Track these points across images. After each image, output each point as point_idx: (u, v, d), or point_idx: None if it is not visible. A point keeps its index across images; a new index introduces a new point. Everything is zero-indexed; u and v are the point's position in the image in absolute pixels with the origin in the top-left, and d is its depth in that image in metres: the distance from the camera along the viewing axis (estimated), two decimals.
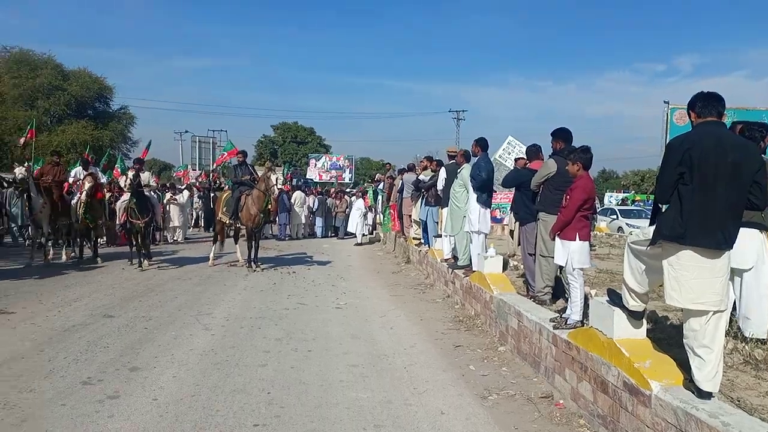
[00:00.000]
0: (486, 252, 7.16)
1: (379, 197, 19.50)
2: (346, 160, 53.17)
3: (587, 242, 5.04)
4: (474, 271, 7.59)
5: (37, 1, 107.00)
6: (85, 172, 11.90)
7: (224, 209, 11.63)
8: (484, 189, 7.45)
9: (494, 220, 13.47)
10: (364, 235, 19.15)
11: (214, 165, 20.14)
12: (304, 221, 20.59)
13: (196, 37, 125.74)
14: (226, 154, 19.67)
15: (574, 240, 4.92)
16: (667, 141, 5.47)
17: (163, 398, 4.39)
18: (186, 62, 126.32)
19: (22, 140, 12.96)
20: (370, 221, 20.33)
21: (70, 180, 12.06)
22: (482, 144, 7.69)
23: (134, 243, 11.19)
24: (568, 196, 5.02)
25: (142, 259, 11.04)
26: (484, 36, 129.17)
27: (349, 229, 19.92)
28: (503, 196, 13.87)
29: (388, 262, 13.94)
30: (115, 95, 32.45)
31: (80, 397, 4.34)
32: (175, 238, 17.15)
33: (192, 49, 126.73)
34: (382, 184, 19.17)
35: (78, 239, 12.13)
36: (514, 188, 7.31)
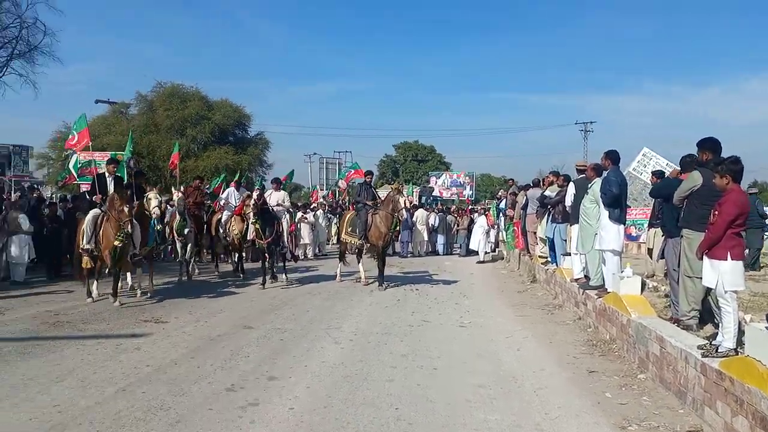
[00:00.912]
0: (622, 272, 6.74)
1: (501, 214, 19.16)
2: (467, 177, 52.86)
3: (740, 262, 4.58)
4: (608, 292, 7.17)
5: (185, 42, 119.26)
6: (237, 193, 12.94)
7: (349, 229, 11.91)
8: (616, 204, 7.04)
9: (629, 237, 12.67)
10: (486, 252, 18.88)
11: (345, 183, 20.91)
12: (426, 238, 20.74)
13: (324, 64, 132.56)
14: (352, 171, 20.29)
15: (726, 260, 4.48)
16: None
17: (298, 407, 4.61)
18: (314, 88, 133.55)
19: (171, 165, 14.47)
20: (492, 238, 20.01)
21: (222, 201, 13.21)
22: (613, 157, 7.29)
23: (263, 262, 11.48)
24: (716, 212, 4.60)
25: (266, 278, 11.35)
26: (614, 40, 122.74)
27: (472, 246, 19.75)
28: (639, 212, 12.99)
29: (512, 280, 13.60)
30: (252, 122, 34.98)
31: (225, 403, 4.69)
32: (306, 255, 18.01)
33: (320, 76, 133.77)
34: (504, 200, 18.82)
35: (222, 255, 13.21)
36: (653, 202, 6.83)
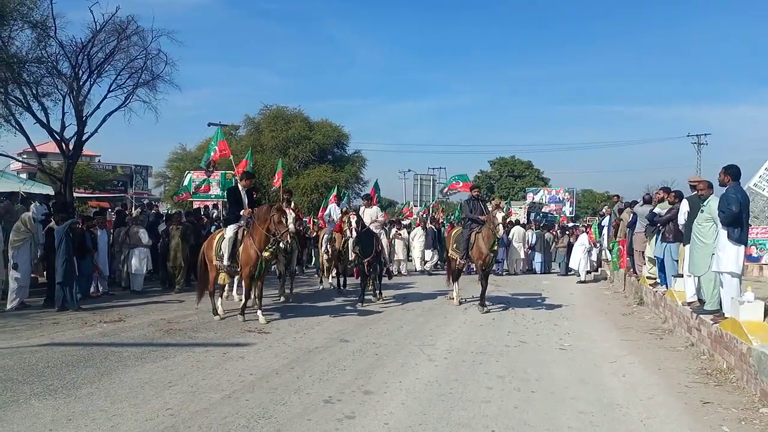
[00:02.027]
0: (742, 296, 6.18)
1: (605, 232, 18.27)
2: (567, 193, 51.13)
3: None
4: (725, 318, 6.61)
5: (289, 67, 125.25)
6: (337, 209, 13.31)
7: (454, 246, 11.60)
8: (736, 224, 6.48)
9: (749, 258, 11.63)
10: (588, 272, 18.06)
11: (446, 190, 20.28)
12: (522, 256, 20.19)
13: (420, 82, 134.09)
14: (460, 184, 19.63)
15: None
16: None
17: (393, 423, 4.63)
18: (410, 105, 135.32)
19: (275, 183, 15.12)
20: (594, 257, 19.12)
21: (327, 218, 13.61)
22: (733, 172, 6.73)
23: (363, 279, 11.47)
24: None
25: (365, 296, 11.31)
26: (730, 44, 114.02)
27: (571, 265, 18.97)
28: (761, 231, 11.91)
29: (616, 302, 12.90)
30: (349, 141, 36.05)
31: (322, 414, 4.80)
32: (399, 271, 18.14)
33: (416, 94, 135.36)
34: (608, 217, 17.95)
35: (326, 270, 13.60)
36: None
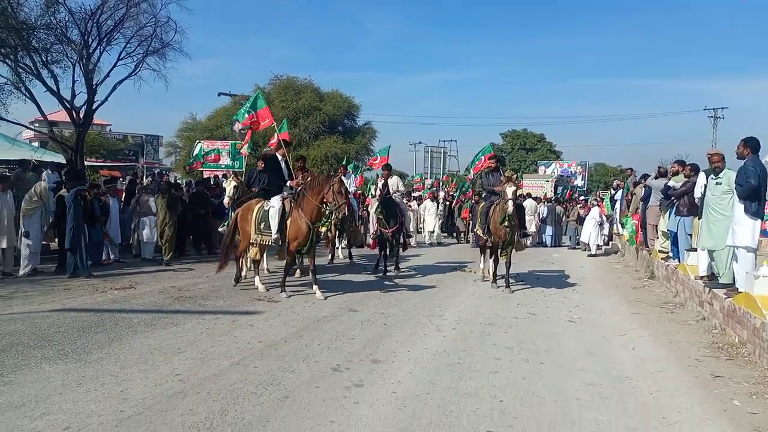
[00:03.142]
0: (757, 270, 6.07)
1: (617, 206, 18.08)
2: (579, 166, 50.59)
3: None
4: (739, 292, 6.52)
5: (300, 37, 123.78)
6: (347, 180, 13.11)
7: (480, 221, 10.88)
8: (754, 197, 6.33)
9: (763, 233, 11.43)
10: (598, 246, 17.93)
11: (473, 173, 18.67)
12: (534, 229, 20.06)
13: (433, 54, 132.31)
14: (483, 158, 18.01)
15: None
16: None
17: (401, 392, 4.63)
18: (422, 78, 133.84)
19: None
20: (606, 231, 18.96)
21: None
22: (752, 145, 6.55)
23: (383, 250, 11.25)
24: None
25: (387, 267, 11.10)
26: (748, 17, 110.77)
27: (582, 239, 18.85)
28: None
29: (627, 276, 12.81)
30: (360, 112, 35.71)
31: (330, 382, 4.81)
32: (409, 243, 18.09)
33: (428, 66, 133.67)
34: (620, 191, 17.73)
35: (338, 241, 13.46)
36: None
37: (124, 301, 7.96)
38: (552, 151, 61.71)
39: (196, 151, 17.84)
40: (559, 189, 35.66)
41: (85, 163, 19.05)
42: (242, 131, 12.80)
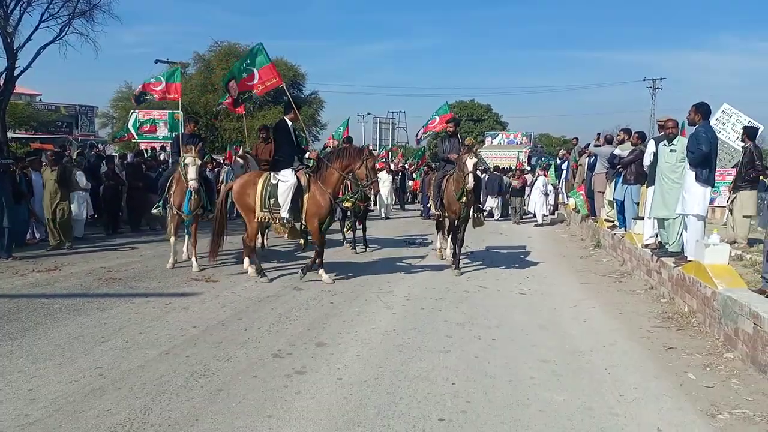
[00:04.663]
0: (707, 239, 6.02)
1: (563, 176, 18.21)
2: (524, 137, 51.14)
3: None
4: (687, 261, 6.49)
5: (243, 3, 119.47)
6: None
7: (432, 194, 9.87)
8: (705, 164, 6.27)
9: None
10: (545, 215, 18.07)
11: (423, 133, 16.34)
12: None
13: (381, 24, 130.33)
14: (437, 118, 14.98)
15: None
16: None
17: (347, 378, 4.30)
18: (370, 48, 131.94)
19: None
20: (552, 201, 19.11)
21: None
22: (703, 110, 6.46)
23: (354, 226, 10.79)
24: None
25: (356, 244, 10.75)
26: None
27: (529, 208, 18.97)
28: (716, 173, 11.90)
29: (573, 245, 12.90)
30: (306, 82, 34.77)
31: (271, 370, 4.43)
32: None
33: (376, 36, 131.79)
34: (567, 161, 17.84)
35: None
36: (739, 162, 6.05)
37: (46, 284, 7.28)
38: (498, 122, 62.20)
39: (131, 122, 16.76)
40: (533, 160, 35.00)
41: (12, 135, 17.67)
42: (242, 96, 10.38)
